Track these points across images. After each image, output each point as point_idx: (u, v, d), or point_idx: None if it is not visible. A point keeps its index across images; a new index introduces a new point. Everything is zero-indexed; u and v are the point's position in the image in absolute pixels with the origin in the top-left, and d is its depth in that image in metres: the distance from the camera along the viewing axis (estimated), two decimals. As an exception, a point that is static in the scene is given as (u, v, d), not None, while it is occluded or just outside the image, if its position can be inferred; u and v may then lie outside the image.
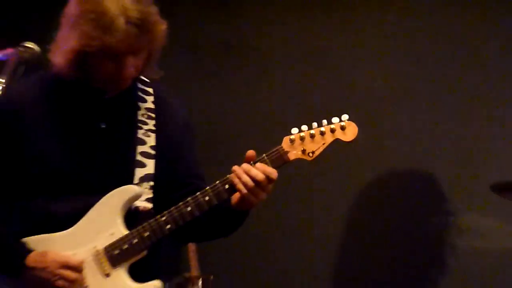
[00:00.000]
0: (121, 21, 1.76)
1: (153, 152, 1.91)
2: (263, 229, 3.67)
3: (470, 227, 3.49)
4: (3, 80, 1.89)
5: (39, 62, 2.03)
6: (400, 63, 3.66)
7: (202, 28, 3.88)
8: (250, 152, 1.87)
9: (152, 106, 1.98)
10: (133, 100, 1.98)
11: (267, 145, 2.10)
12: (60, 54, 1.85)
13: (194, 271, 3.52)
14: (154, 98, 2.01)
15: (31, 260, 1.80)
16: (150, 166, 1.89)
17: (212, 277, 3.51)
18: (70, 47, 1.81)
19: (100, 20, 1.77)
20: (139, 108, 1.96)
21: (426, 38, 3.66)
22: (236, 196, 1.87)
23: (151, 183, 1.89)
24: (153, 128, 1.95)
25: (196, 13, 3.87)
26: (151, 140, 1.93)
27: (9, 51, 1.99)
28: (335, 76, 3.73)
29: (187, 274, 3.53)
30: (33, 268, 1.80)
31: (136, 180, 1.88)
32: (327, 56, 3.73)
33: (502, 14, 3.57)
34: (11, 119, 1.84)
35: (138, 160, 1.89)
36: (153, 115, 1.98)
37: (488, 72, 3.61)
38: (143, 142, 1.91)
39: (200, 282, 3.49)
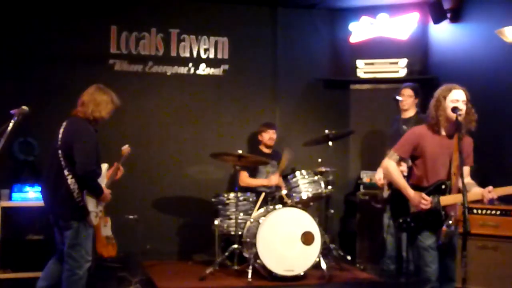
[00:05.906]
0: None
1: None
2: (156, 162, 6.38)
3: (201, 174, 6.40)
4: (11, 125, 3.38)
5: (26, 116, 3.58)
6: (185, 105, 6.40)
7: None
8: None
9: None
10: None
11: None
12: (95, 116, 3.97)
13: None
14: None
15: (106, 192, 4.08)
16: None
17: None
18: (101, 116, 3.99)
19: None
20: None
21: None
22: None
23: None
24: None
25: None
26: None
27: (15, 110, 3.49)
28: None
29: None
30: (105, 193, 4.04)
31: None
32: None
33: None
34: (95, 139, 3.96)
35: None
36: None
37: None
38: None
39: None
